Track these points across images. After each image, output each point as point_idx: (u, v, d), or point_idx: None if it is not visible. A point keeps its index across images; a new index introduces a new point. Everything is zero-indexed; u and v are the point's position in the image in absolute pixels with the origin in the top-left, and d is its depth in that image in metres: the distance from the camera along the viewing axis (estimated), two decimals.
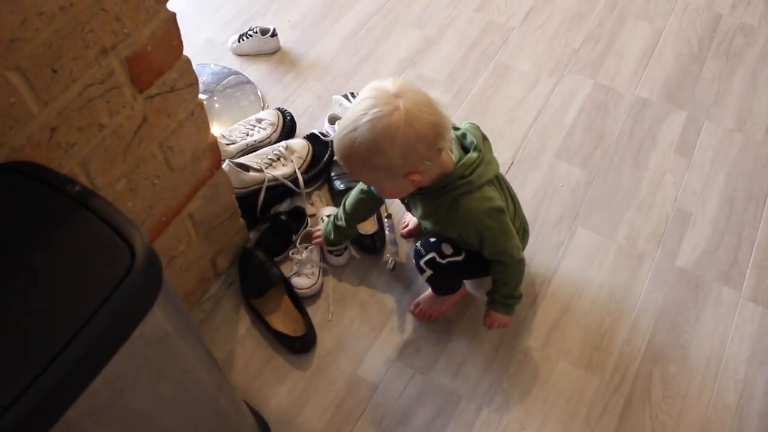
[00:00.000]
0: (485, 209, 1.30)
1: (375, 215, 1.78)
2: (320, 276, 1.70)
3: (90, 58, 1.04)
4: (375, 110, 1.16)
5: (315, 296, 1.69)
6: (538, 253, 1.77)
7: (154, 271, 0.79)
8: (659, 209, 1.87)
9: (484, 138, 1.36)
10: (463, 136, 1.36)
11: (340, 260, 1.73)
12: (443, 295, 1.62)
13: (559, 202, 1.87)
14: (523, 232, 1.55)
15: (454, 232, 1.38)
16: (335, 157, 1.73)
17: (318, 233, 1.70)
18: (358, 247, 1.78)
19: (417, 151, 1.19)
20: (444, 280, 1.56)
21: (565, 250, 1.78)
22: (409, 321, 1.66)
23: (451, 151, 1.32)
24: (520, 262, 1.42)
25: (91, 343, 0.72)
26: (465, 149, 1.34)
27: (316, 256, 1.71)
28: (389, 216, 1.66)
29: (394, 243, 1.66)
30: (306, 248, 1.70)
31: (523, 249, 1.50)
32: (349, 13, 2.38)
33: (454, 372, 1.58)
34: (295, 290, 1.66)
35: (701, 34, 2.35)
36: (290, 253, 1.72)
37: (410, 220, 1.78)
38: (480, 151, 1.32)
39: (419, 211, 1.43)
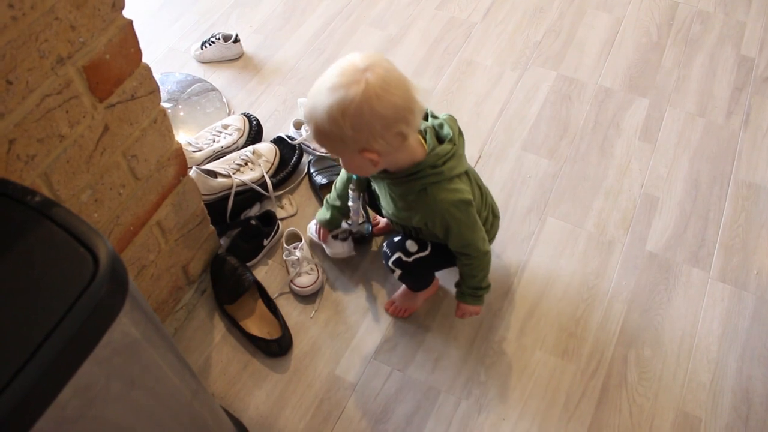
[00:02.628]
0: (453, 200, 1.29)
1: (360, 206, 1.78)
2: (319, 270, 1.70)
3: (46, 68, 1.03)
4: (336, 80, 1.15)
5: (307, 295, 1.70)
6: (510, 245, 1.78)
7: (119, 278, 0.78)
8: (627, 196, 1.89)
9: (460, 133, 1.36)
10: (440, 126, 1.34)
11: (345, 248, 1.70)
12: (417, 291, 1.63)
13: (528, 193, 1.89)
14: (493, 218, 1.55)
15: (420, 220, 1.36)
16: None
17: (314, 230, 1.72)
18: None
19: (370, 128, 1.16)
20: (414, 277, 1.57)
21: (536, 240, 1.80)
22: (385, 318, 1.66)
23: (426, 140, 1.30)
24: (486, 254, 1.41)
25: (57, 353, 0.71)
26: (440, 140, 1.33)
27: (308, 252, 1.71)
28: (354, 189, 1.62)
29: (357, 212, 1.63)
30: (296, 247, 1.69)
31: (494, 235, 1.53)
32: (311, 16, 2.38)
33: (431, 367, 1.58)
34: (300, 291, 1.66)
35: (659, 22, 2.38)
36: (283, 257, 1.72)
37: (381, 219, 1.79)
38: (454, 144, 1.31)
39: (384, 199, 1.42)
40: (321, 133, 1.21)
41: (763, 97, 2.14)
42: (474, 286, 1.46)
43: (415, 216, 1.36)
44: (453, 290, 1.68)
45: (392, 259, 1.49)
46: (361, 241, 1.76)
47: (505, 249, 1.77)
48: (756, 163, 1.97)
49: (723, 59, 2.26)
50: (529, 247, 1.78)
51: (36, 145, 1.07)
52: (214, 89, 2.15)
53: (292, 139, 1.90)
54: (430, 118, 1.35)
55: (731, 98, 2.14)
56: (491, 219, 1.53)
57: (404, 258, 1.47)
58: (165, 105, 2.04)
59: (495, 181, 1.90)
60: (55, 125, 1.09)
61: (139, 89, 1.24)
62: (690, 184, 1.92)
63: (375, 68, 1.15)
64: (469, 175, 1.40)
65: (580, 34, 2.34)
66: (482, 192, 1.48)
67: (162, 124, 1.34)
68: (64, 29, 1.03)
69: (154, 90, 1.28)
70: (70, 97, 1.09)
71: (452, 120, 1.37)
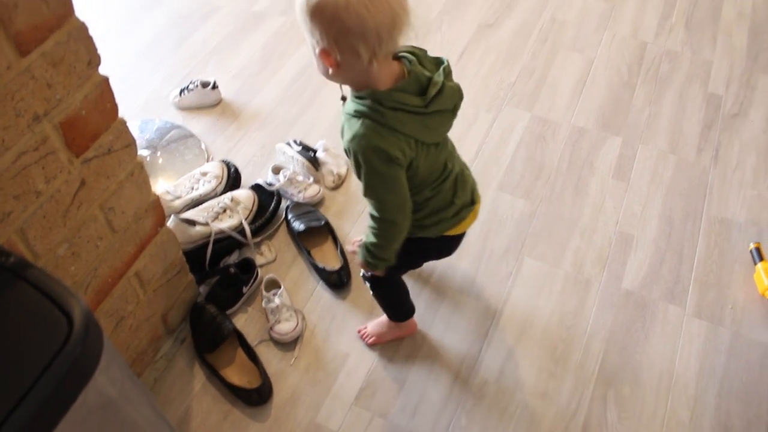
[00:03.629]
0: (371, 145, 1.16)
1: (338, 249, 1.80)
2: (299, 317, 1.70)
3: (22, 126, 1.04)
4: None
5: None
6: (488, 286, 1.80)
7: (94, 338, 0.79)
8: (602, 234, 1.92)
9: (454, 111, 1.24)
10: (441, 80, 1.20)
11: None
12: (394, 320, 1.65)
13: (505, 234, 1.91)
14: (463, 179, 1.39)
15: (347, 152, 1.23)
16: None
17: None
18: (325, 283, 1.79)
19: (327, 29, 1.10)
20: (383, 292, 1.61)
21: (513, 280, 1.81)
22: (364, 363, 1.66)
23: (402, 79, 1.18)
24: (382, 222, 1.27)
25: (31, 416, 0.71)
26: (422, 92, 1.19)
27: (287, 299, 1.71)
28: None
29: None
30: (275, 294, 1.70)
31: (469, 197, 1.40)
32: (289, 62, 2.42)
33: (411, 412, 1.58)
34: (280, 338, 1.66)
35: (629, 61, 2.44)
36: (263, 305, 1.72)
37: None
38: (425, 105, 1.17)
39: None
40: (297, 13, 1.15)
41: (731, 134, 2.20)
42: (365, 244, 1.34)
43: (344, 144, 1.23)
44: (431, 334, 1.70)
45: (362, 274, 1.55)
46: (339, 285, 1.77)
47: (483, 290, 1.79)
48: (727, 198, 2.01)
49: (692, 97, 2.32)
50: (507, 288, 1.80)
51: (12, 201, 1.07)
52: (192, 136, 2.17)
53: (270, 185, 1.92)
54: (438, 76, 1.20)
55: (701, 135, 2.19)
56: (460, 176, 1.38)
57: (365, 272, 1.51)
58: (144, 152, 2.07)
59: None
60: (31, 181, 1.10)
61: (116, 143, 1.26)
62: (664, 221, 1.95)
63: None
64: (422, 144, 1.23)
65: (553, 75, 2.39)
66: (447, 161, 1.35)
67: (139, 176, 1.35)
68: (41, 87, 1.05)
69: (131, 143, 1.30)
70: (46, 153, 1.11)
71: (458, 93, 1.25)
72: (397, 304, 1.64)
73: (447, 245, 1.49)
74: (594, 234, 1.92)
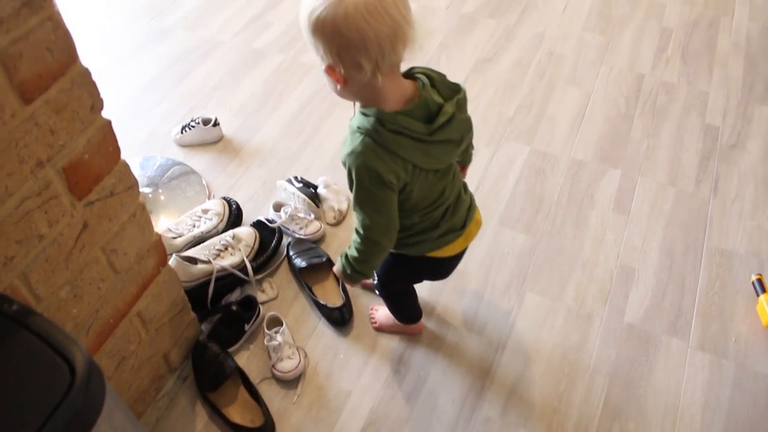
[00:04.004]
0: (365, 164, 1.16)
1: (340, 286, 1.81)
2: (301, 354, 1.70)
3: (26, 172, 1.05)
4: None
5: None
6: (490, 321, 1.79)
7: (96, 386, 0.79)
8: (603, 268, 1.92)
9: (466, 149, 1.29)
10: (452, 111, 1.19)
11: None
12: (400, 321, 1.73)
13: (506, 269, 1.91)
14: (458, 205, 1.38)
15: (343, 164, 1.22)
16: None
17: None
18: (327, 320, 1.79)
19: (329, 43, 1.10)
20: (391, 296, 1.67)
21: (515, 315, 1.81)
22: (367, 401, 1.65)
23: (415, 102, 1.17)
24: (366, 240, 1.27)
25: None
26: (429, 119, 1.17)
27: (289, 336, 1.71)
28: None
29: None
30: (277, 332, 1.70)
31: (459, 222, 1.38)
32: (289, 99, 2.44)
33: None
34: (282, 376, 1.66)
35: (627, 94, 2.46)
36: (265, 342, 1.72)
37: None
38: (430, 133, 1.16)
39: None
40: (302, 30, 1.15)
41: (729, 165, 2.21)
42: (346, 254, 1.34)
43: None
44: (433, 370, 1.69)
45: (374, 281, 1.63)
46: (341, 322, 1.77)
47: (486, 325, 1.79)
48: (727, 229, 2.02)
49: (689, 128, 2.34)
50: (509, 323, 1.80)
51: (15, 246, 1.08)
52: (194, 172, 2.19)
53: (271, 222, 1.93)
54: (450, 105, 1.19)
55: (699, 166, 2.21)
56: (459, 202, 1.38)
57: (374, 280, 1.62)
58: (146, 190, 2.08)
59: (473, 258, 1.92)
60: (34, 226, 1.10)
61: (118, 185, 1.27)
62: (665, 254, 1.96)
63: None
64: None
65: (552, 109, 2.41)
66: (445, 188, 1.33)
67: (141, 217, 1.36)
68: (44, 134, 1.06)
69: (133, 185, 1.31)
70: (49, 197, 1.11)
71: (463, 122, 1.24)
72: (401, 309, 1.71)
73: (435, 266, 1.47)
74: (595, 267, 1.92)
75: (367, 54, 1.09)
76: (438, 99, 1.18)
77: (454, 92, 1.21)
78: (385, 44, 1.09)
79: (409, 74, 1.21)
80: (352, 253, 1.31)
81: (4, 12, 0.92)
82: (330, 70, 1.15)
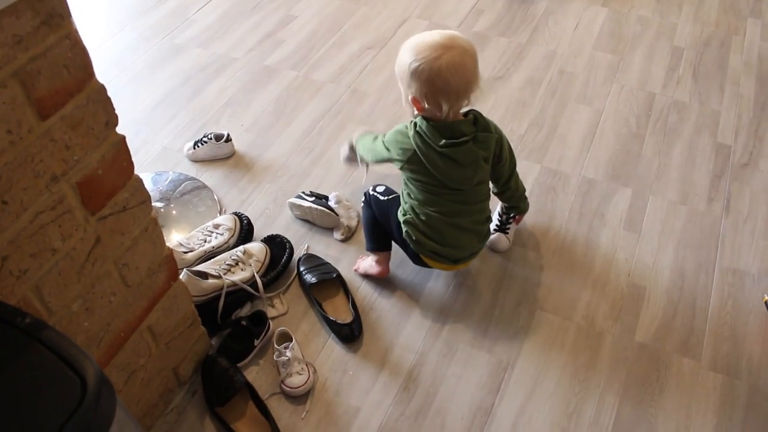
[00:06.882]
0: (396, 130, 1.68)
1: (350, 302, 1.81)
2: (310, 370, 1.70)
3: (41, 186, 1.06)
4: (438, 39, 1.52)
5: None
6: (500, 339, 1.79)
7: (106, 401, 0.79)
8: (614, 286, 1.91)
9: (485, 163, 1.67)
10: (464, 137, 1.59)
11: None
12: (367, 250, 1.90)
13: (516, 287, 1.91)
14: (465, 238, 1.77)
15: None
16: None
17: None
18: (336, 336, 1.79)
19: (421, 86, 1.53)
20: (365, 217, 1.90)
21: (525, 334, 1.80)
22: (375, 420, 1.65)
23: (464, 126, 1.59)
24: (370, 152, 1.82)
25: None
26: (448, 138, 1.58)
27: (299, 352, 1.71)
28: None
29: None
30: (286, 347, 1.70)
31: (454, 255, 1.76)
32: (301, 115, 2.46)
33: None
34: (291, 391, 1.66)
35: (638, 112, 2.47)
36: (274, 357, 1.72)
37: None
38: (440, 144, 1.57)
39: None
40: (397, 68, 1.60)
41: (741, 183, 2.20)
42: (360, 144, 1.90)
43: None
44: (443, 388, 1.69)
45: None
46: (350, 338, 1.77)
47: (496, 343, 1.78)
48: (739, 248, 2.01)
49: (701, 147, 2.33)
50: (519, 341, 1.79)
51: (28, 260, 1.09)
52: (205, 187, 2.20)
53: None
54: (470, 134, 1.60)
55: (711, 185, 2.20)
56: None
57: (370, 191, 1.87)
58: (158, 204, 2.09)
59: (484, 275, 1.92)
60: (47, 240, 1.11)
61: (131, 200, 1.28)
62: (676, 273, 1.95)
63: (455, 49, 1.50)
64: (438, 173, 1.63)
65: (563, 127, 2.41)
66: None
67: (153, 232, 1.37)
68: (59, 149, 1.07)
69: (146, 200, 1.32)
70: (63, 212, 1.12)
71: (473, 152, 1.61)
72: (367, 232, 1.88)
73: (419, 262, 1.82)
74: (606, 286, 1.91)
75: (448, 99, 1.53)
76: (464, 129, 1.58)
77: (483, 130, 1.63)
78: (461, 93, 1.54)
79: (466, 113, 1.64)
80: (361, 151, 1.88)
81: (24, 30, 0.94)
82: (414, 101, 1.58)
